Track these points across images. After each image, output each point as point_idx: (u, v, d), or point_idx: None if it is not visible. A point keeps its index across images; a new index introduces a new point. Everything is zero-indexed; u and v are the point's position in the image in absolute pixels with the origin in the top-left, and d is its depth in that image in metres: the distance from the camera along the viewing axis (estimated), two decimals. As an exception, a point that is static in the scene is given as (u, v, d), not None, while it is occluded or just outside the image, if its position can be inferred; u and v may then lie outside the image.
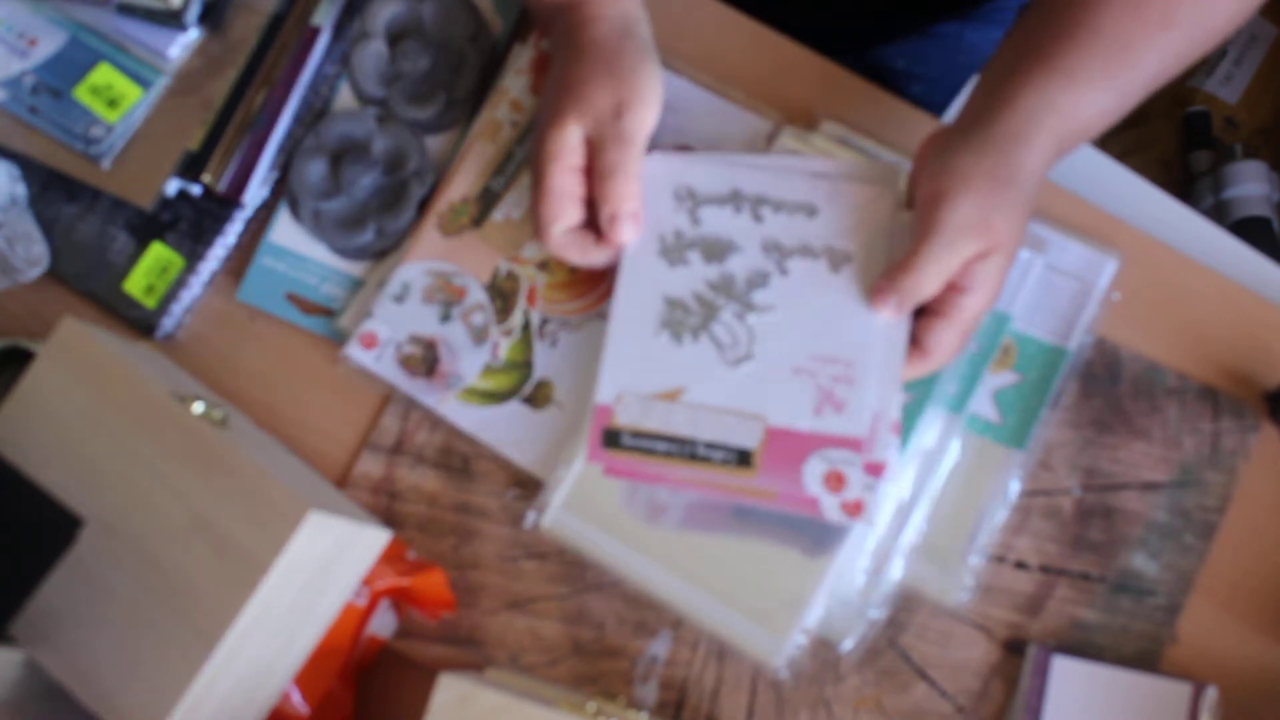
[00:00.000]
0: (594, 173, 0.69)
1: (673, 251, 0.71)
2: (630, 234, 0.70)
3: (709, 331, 0.70)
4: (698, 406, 0.69)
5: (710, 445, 0.68)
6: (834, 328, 0.68)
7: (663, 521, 0.72)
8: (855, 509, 0.66)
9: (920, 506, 0.72)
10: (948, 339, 0.66)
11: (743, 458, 0.68)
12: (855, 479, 0.66)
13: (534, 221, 0.71)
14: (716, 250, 0.71)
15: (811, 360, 0.68)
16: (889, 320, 0.67)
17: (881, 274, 0.66)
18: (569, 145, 0.69)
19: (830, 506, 0.66)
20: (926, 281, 0.64)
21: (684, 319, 0.70)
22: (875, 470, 0.66)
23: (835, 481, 0.66)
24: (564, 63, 0.71)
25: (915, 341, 0.67)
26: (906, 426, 0.71)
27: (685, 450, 0.69)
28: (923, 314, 0.67)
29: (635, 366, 0.70)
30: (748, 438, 0.68)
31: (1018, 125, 0.65)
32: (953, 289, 0.65)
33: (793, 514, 0.68)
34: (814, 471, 0.67)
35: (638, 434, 0.69)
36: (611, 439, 0.70)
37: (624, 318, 0.71)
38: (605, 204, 0.69)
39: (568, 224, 0.70)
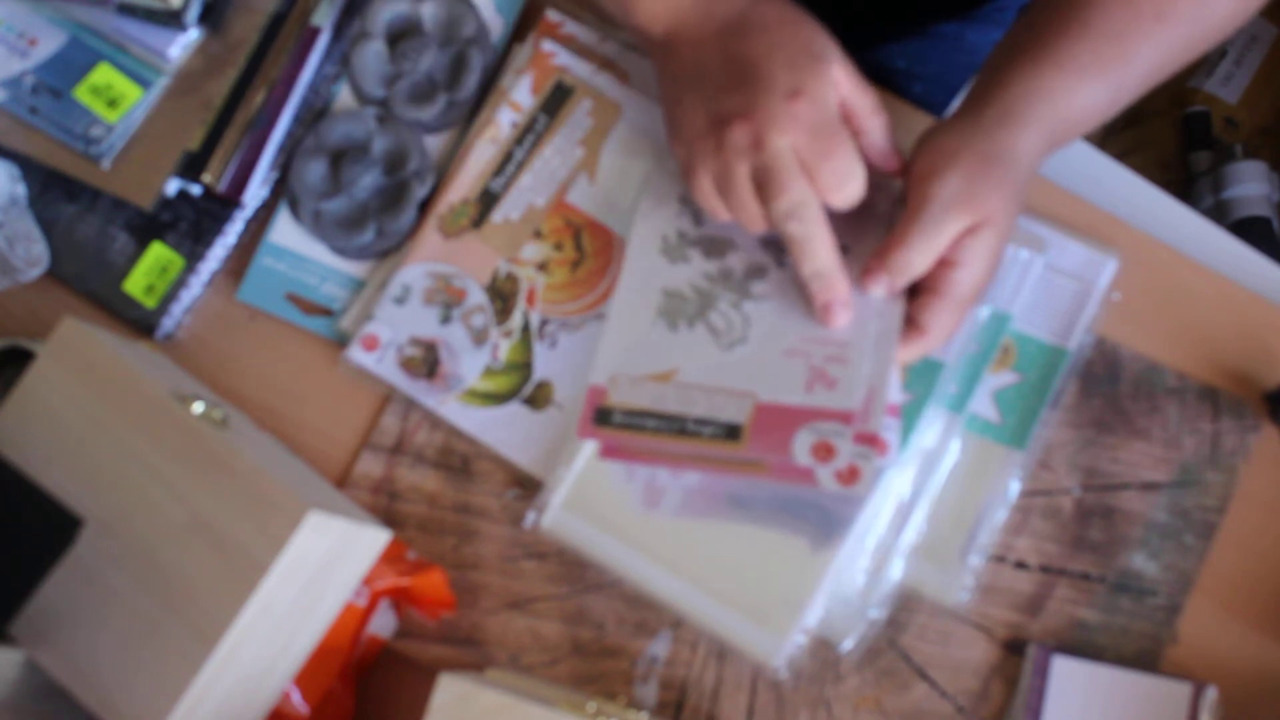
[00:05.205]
0: (859, 115, 0.66)
1: (674, 250, 0.72)
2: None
3: (705, 319, 0.71)
4: (689, 385, 0.69)
5: (700, 421, 0.69)
6: None
7: (660, 506, 0.72)
8: (850, 476, 0.66)
9: (920, 506, 0.72)
10: (943, 316, 0.66)
11: (731, 431, 0.68)
12: (844, 449, 0.66)
13: (832, 175, 0.64)
14: (716, 247, 0.72)
15: (804, 341, 0.68)
16: (883, 301, 0.67)
17: (871, 254, 0.66)
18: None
19: (824, 477, 0.66)
20: (916, 257, 0.64)
21: (681, 307, 0.71)
22: (866, 440, 0.66)
23: (824, 452, 0.66)
24: (782, 16, 0.66)
25: (911, 321, 0.67)
26: (906, 427, 0.71)
27: (675, 426, 0.69)
28: (917, 293, 0.67)
29: (630, 351, 0.71)
30: (737, 413, 0.68)
31: (1007, 108, 0.65)
32: (944, 265, 0.65)
33: (792, 502, 0.68)
34: (803, 443, 0.67)
35: (629, 411, 0.70)
36: (603, 416, 0.70)
37: (622, 308, 0.72)
38: (877, 134, 0.67)
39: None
